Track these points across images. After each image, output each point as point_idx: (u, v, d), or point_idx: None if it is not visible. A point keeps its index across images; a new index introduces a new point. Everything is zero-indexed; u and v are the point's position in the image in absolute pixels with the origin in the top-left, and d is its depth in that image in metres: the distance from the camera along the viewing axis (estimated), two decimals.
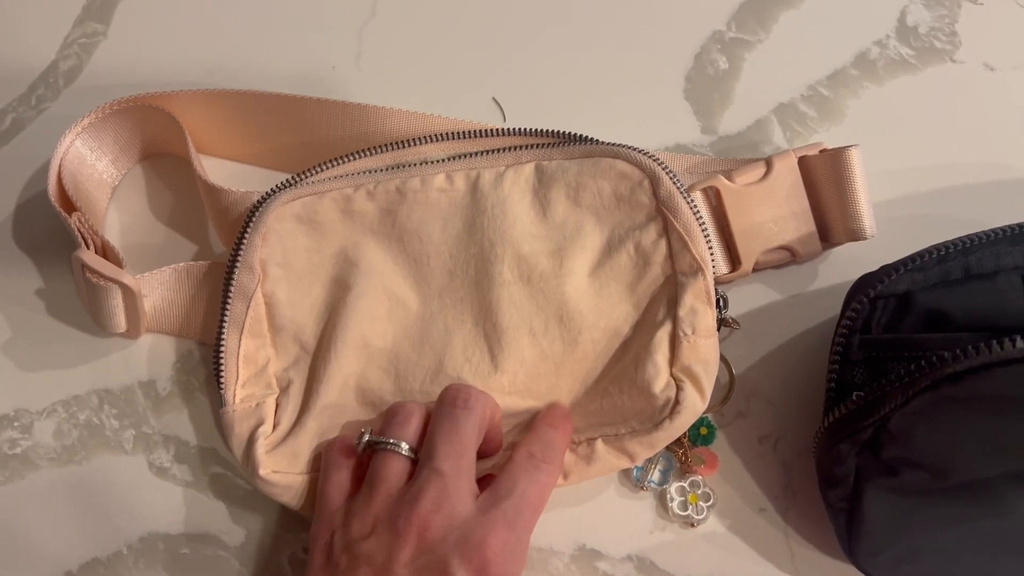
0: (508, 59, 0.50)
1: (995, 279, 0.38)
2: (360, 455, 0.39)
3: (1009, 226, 0.39)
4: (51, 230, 0.47)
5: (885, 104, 0.49)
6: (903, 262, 0.39)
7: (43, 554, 0.43)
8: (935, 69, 0.49)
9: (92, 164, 0.47)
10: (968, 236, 0.39)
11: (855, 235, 0.44)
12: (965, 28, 0.50)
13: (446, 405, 0.38)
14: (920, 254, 0.39)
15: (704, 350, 0.40)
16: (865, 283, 0.39)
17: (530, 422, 0.41)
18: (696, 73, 0.50)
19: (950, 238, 0.39)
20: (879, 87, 0.49)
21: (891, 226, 0.46)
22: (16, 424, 0.45)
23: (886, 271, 0.39)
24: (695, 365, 0.40)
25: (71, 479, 0.44)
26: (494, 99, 0.50)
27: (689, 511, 0.42)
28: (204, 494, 0.44)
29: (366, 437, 0.38)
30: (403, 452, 0.37)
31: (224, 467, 0.44)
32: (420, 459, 0.37)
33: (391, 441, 0.38)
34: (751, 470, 0.43)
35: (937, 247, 0.39)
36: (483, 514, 0.36)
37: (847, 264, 0.45)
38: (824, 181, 0.44)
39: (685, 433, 0.43)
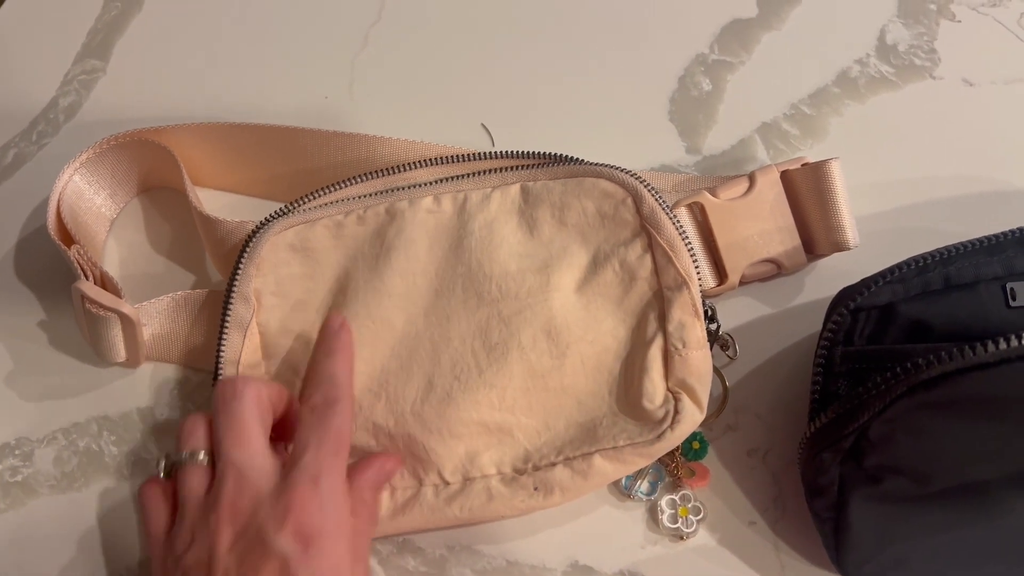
0: (496, 85, 0.52)
1: (975, 289, 0.38)
2: (167, 482, 0.39)
3: (987, 236, 0.40)
4: (52, 263, 0.48)
5: (867, 121, 0.50)
6: (882, 274, 0.39)
7: None
8: (915, 86, 0.50)
9: (90, 198, 0.48)
10: (947, 247, 0.40)
11: (839, 246, 0.44)
12: (944, 45, 0.51)
13: (219, 401, 0.38)
14: (900, 266, 0.39)
15: (696, 362, 0.41)
16: (845, 295, 0.40)
17: (522, 440, 0.42)
18: (680, 95, 0.51)
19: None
20: (860, 104, 0.50)
21: (875, 239, 0.47)
22: (17, 452, 0.45)
23: (866, 283, 0.39)
24: (689, 378, 0.41)
25: (71, 505, 0.44)
26: (483, 125, 0.51)
27: (679, 524, 0.43)
28: None
29: (163, 462, 0.39)
30: (198, 461, 0.38)
31: None
32: (215, 459, 0.38)
33: (184, 455, 0.38)
34: (740, 483, 0.44)
35: (916, 258, 0.39)
36: (284, 480, 0.36)
37: (833, 278, 0.46)
38: (806, 194, 0.45)
39: (678, 447, 0.43)
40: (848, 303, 0.39)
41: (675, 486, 0.43)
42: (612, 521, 0.43)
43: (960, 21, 0.52)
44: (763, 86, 0.51)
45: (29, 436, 0.46)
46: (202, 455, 0.38)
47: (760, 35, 0.52)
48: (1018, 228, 0.40)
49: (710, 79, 0.51)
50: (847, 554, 0.38)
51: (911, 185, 0.48)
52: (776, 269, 0.46)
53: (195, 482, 0.38)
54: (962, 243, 0.39)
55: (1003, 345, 0.33)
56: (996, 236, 0.39)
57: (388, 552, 0.44)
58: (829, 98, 0.50)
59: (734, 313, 0.46)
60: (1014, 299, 0.38)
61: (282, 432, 0.41)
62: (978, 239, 0.40)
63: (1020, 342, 0.33)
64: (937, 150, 0.49)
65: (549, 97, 0.51)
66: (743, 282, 0.45)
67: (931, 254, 0.39)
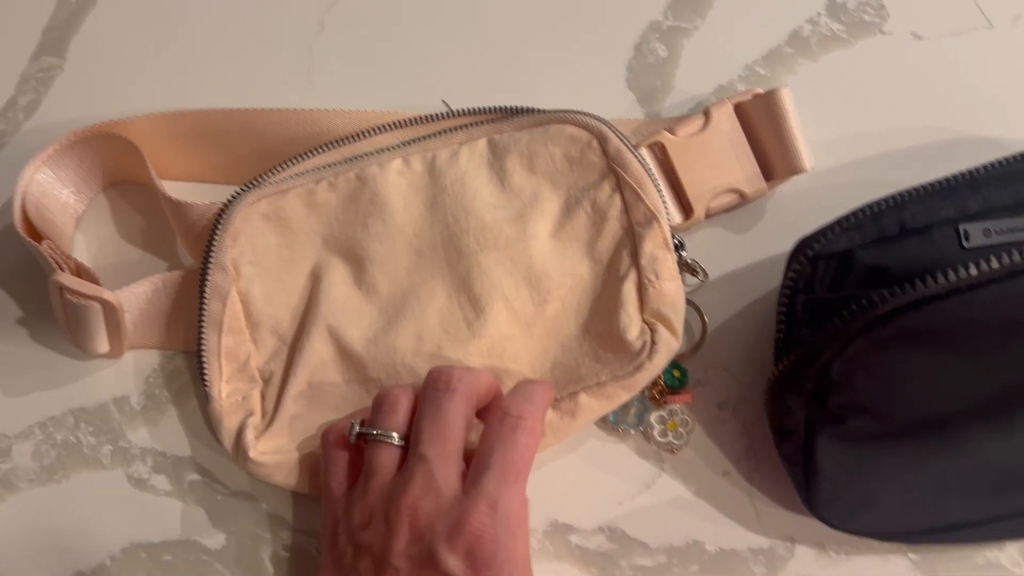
0: (455, 60, 0.52)
1: (930, 232, 0.39)
2: (354, 444, 0.40)
3: (939, 180, 0.40)
4: (20, 261, 0.48)
5: (820, 78, 0.50)
6: (838, 222, 0.40)
7: (27, 573, 0.44)
8: (866, 42, 0.51)
9: (55, 195, 0.48)
10: (900, 192, 0.40)
11: (795, 168, 0.46)
12: (892, 1, 0.52)
13: (429, 389, 0.38)
14: (855, 213, 0.40)
15: (670, 292, 0.42)
16: (803, 245, 0.40)
17: (510, 387, 0.42)
18: (637, 62, 0.51)
19: None
20: (813, 63, 0.51)
21: (834, 193, 0.48)
22: None
23: (823, 232, 0.40)
24: (664, 308, 0.42)
25: (52, 498, 0.45)
26: (444, 101, 0.51)
27: (669, 437, 0.44)
28: (183, 501, 0.45)
29: (356, 428, 0.39)
30: (393, 442, 0.38)
31: (201, 474, 0.45)
32: (409, 445, 0.38)
33: (379, 433, 0.38)
34: (713, 436, 0.44)
35: (871, 205, 0.40)
36: (466, 496, 0.36)
37: (798, 232, 0.47)
38: (760, 122, 0.46)
39: (660, 378, 0.44)
40: (806, 251, 0.40)
41: (662, 404, 0.44)
42: (588, 481, 0.44)
43: None
44: (718, 50, 0.51)
45: (6, 432, 0.46)
46: (397, 438, 0.38)
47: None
48: (968, 170, 0.40)
49: (665, 45, 0.52)
50: (817, 494, 0.39)
51: (867, 139, 0.49)
52: (739, 199, 0.47)
53: (385, 461, 0.38)
54: (915, 188, 0.40)
55: (952, 277, 0.34)
56: (947, 179, 0.40)
57: None
58: (783, 58, 0.51)
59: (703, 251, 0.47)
60: (967, 240, 0.39)
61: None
62: (930, 183, 0.40)
63: (968, 273, 0.34)
64: (890, 104, 0.50)
65: (507, 69, 0.51)
66: (708, 214, 0.46)
67: (884, 200, 0.40)
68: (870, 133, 0.49)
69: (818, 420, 0.38)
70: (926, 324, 0.34)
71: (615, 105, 0.51)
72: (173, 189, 0.49)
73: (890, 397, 0.37)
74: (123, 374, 0.47)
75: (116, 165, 0.49)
